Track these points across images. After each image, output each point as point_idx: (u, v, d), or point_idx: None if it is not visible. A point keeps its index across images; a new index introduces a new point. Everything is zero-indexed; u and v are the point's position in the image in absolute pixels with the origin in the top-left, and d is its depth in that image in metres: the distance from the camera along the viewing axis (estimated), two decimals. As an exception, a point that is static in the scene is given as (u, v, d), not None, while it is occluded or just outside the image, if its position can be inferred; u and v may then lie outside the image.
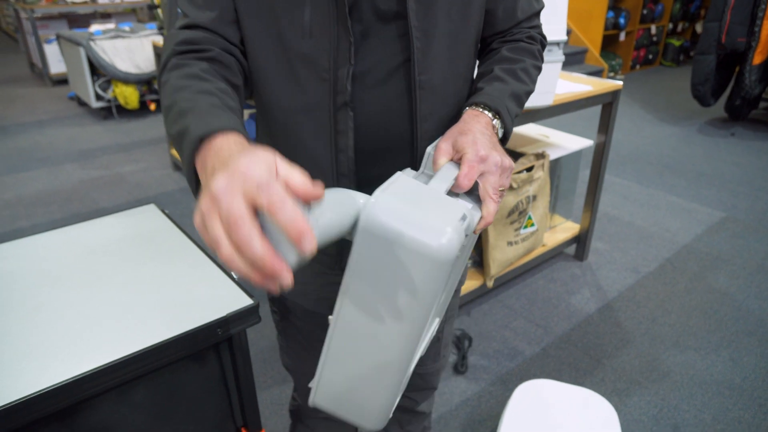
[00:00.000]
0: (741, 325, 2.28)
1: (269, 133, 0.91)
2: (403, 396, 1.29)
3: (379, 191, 0.64)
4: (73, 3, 5.98)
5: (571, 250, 2.80)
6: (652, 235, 3.00)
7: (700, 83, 4.56)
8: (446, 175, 0.73)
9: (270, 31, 0.81)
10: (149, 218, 1.21)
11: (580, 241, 2.75)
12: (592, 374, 2.01)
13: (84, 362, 0.81)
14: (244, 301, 0.94)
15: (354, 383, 0.74)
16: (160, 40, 3.46)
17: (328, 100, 0.82)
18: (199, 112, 0.67)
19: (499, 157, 0.75)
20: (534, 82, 0.95)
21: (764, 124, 4.88)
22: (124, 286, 0.98)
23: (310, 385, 0.77)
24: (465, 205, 0.68)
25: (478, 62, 0.99)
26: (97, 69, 4.81)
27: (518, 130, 2.73)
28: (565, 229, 2.76)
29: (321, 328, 1.02)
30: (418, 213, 0.62)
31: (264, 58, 0.83)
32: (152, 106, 5.12)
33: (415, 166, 0.86)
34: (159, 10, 3.30)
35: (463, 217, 0.65)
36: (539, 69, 0.98)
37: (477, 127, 0.79)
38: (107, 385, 0.82)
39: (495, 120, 0.83)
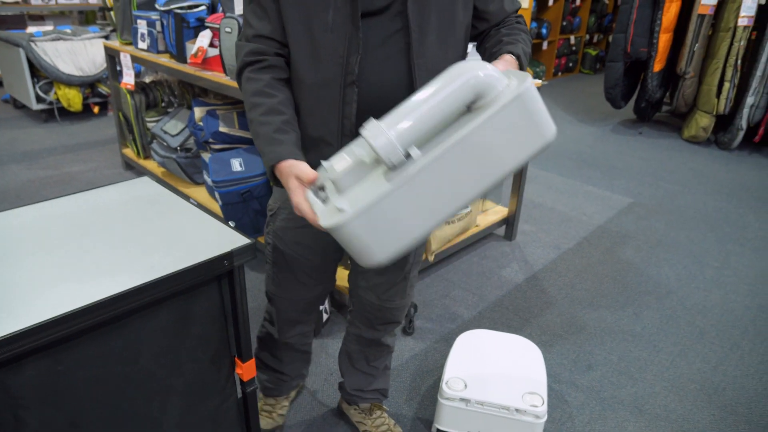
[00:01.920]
0: (642, 287, 2.68)
1: (297, 100, 1.22)
2: (371, 329, 1.56)
3: (523, 83, 0.89)
4: (4, 3, 5.89)
5: (501, 231, 3.15)
6: (571, 219, 3.40)
7: (611, 87, 5.09)
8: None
9: (304, 28, 1.13)
10: (147, 187, 1.42)
11: (509, 223, 3.10)
12: (521, 331, 2.33)
13: (118, 285, 1.02)
14: (243, 240, 1.18)
15: (400, 219, 0.89)
16: (110, 42, 3.57)
17: (339, 79, 1.13)
18: (269, 140, 1.11)
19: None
20: (529, 47, 1.22)
21: (666, 124, 5.48)
22: (142, 231, 1.19)
23: (341, 208, 0.91)
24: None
25: (476, 46, 1.30)
26: (37, 71, 4.80)
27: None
28: (496, 212, 3.11)
29: (304, 258, 1.31)
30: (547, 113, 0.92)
31: (298, 48, 1.15)
32: (95, 109, 5.15)
33: None
34: (112, 13, 3.41)
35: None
36: (528, 43, 1.23)
37: (506, 63, 1.10)
38: (136, 304, 1.04)
39: (516, 61, 1.12)
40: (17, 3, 5.94)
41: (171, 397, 1.19)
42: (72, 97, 4.90)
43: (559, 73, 7.70)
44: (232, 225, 1.25)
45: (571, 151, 4.66)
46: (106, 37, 5.05)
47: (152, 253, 1.12)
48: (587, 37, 8.00)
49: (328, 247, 1.39)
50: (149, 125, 3.36)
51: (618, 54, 4.90)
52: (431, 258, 2.60)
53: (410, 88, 1.15)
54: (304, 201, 1.05)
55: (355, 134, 1.16)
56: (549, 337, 2.31)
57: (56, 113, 5.04)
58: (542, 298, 2.58)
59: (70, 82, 4.80)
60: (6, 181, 3.69)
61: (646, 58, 4.77)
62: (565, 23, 7.37)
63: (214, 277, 1.17)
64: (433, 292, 2.59)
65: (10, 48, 4.78)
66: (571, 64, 7.84)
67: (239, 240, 1.18)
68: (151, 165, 3.57)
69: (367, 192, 0.91)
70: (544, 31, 7.08)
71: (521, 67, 1.14)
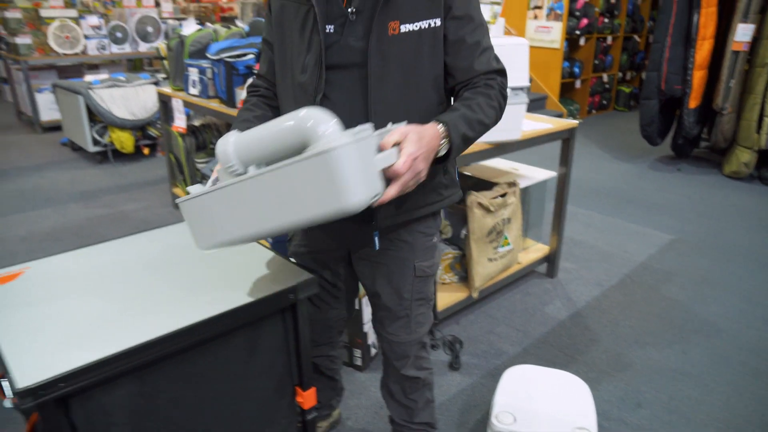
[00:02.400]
0: (690, 325, 2.65)
1: None
2: (390, 362, 1.63)
3: (349, 138, 0.92)
4: (65, 55, 6.29)
5: (543, 268, 3.17)
6: (612, 256, 3.40)
7: (647, 125, 5.11)
8: (389, 155, 1.01)
9: (286, 71, 1.33)
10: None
11: (550, 261, 3.12)
12: (567, 367, 2.33)
13: (196, 315, 1.10)
14: (305, 275, 1.26)
15: (211, 217, 1.07)
16: (162, 88, 3.79)
17: None
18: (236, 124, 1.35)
19: (422, 166, 1.08)
20: (487, 115, 1.24)
21: (705, 160, 5.44)
22: (212, 267, 1.28)
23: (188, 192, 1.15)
24: (381, 187, 1.00)
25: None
26: (93, 116, 5.09)
27: (490, 163, 3.13)
28: (537, 250, 3.14)
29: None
30: (358, 174, 0.92)
31: (282, 86, 1.37)
32: (146, 151, 5.40)
33: None
34: (165, 62, 3.64)
35: (376, 195, 1.01)
36: (494, 107, 1.26)
37: (427, 136, 1.10)
38: (212, 333, 1.12)
39: (443, 138, 1.15)
40: (77, 54, 6.34)
41: (240, 421, 1.25)
42: (125, 140, 5.16)
43: (593, 111, 7.74)
44: (294, 261, 1.34)
45: (609, 188, 4.67)
46: (156, 83, 5.33)
47: (223, 287, 1.21)
48: (620, 74, 8.05)
49: (339, 279, 1.54)
50: (199, 166, 3.53)
51: (652, 91, 4.94)
52: (475, 295, 2.64)
53: None
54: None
55: None
56: (596, 374, 2.30)
57: (110, 155, 5.30)
58: (587, 335, 2.58)
59: (123, 125, 5.07)
60: (67, 219, 3.90)
61: (681, 95, 4.79)
62: (597, 62, 7.45)
63: (279, 309, 1.25)
64: (478, 328, 2.62)
65: (71, 95, 5.09)
66: (605, 102, 7.88)
67: (302, 275, 1.26)
68: (200, 204, 3.72)
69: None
70: (576, 70, 7.17)
71: (450, 139, 1.16)
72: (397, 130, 1.06)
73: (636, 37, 8.07)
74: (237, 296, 1.17)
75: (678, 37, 4.70)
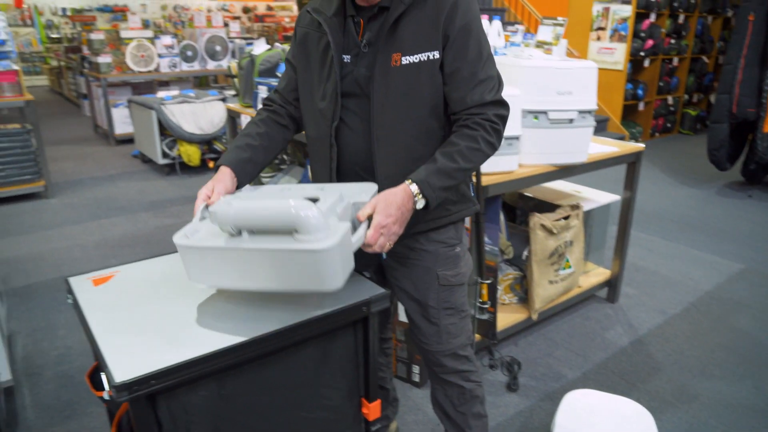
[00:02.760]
0: (762, 359, 2.54)
1: (308, 149, 1.57)
2: (430, 370, 1.66)
3: (334, 237, 1.09)
4: (140, 72, 6.65)
5: (603, 293, 3.10)
6: (676, 283, 3.30)
7: (715, 149, 4.94)
8: (362, 234, 1.21)
9: (307, 96, 1.46)
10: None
11: (611, 285, 3.05)
12: (628, 394, 2.28)
13: (273, 324, 1.15)
14: (378, 290, 1.30)
15: (209, 267, 1.18)
16: (231, 105, 3.95)
17: (327, 139, 1.42)
18: (230, 148, 1.44)
19: (394, 230, 1.24)
20: (470, 160, 1.32)
21: (779, 187, 5.21)
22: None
23: (186, 236, 1.20)
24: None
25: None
26: (164, 129, 5.35)
27: (554, 185, 3.11)
28: (598, 274, 3.08)
29: None
30: (339, 265, 1.12)
31: (305, 108, 1.49)
32: (211, 164, 5.62)
33: (374, 181, 1.38)
34: (236, 80, 3.80)
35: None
36: (478, 149, 1.33)
37: (398, 202, 1.24)
38: (289, 341, 1.17)
39: (417, 196, 1.27)
40: (150, 72, 6.70)
41: (308, 429, 1.30)
42: (192, 153, 5.39)
43: (657, 134, 7.53)
44: (367, 275, 1.38)
45: (673, 213, 4.53)
46: (224, 100, 5.56)
47: (299, 298, 1.26)
48: (686, 97, 7.82)
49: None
50: (264, 180, 3.65)
51: (723, 115, 4.78)
52: (535, 316, 2.62)
53: (369, 153, 1.38)
54: (200, 199, 1.30)
55: (338, 178, 1.46)
56: (658, 404, 2.24)
57: (177, 167, 5.55)
58: (649, 363, 2.51)
59: (191, 139, 5.31)
60: (138, 228, 4.11)
61: (754, 118, 4.62)
62: (662, 83, 7.27)
63: (351, 321, 1.29)
64: (537, 350, 2.59)
65: (145, 110, 5.38)
66: (669, 125, 7.67)
67: (375, 289, 1.30)
68: (262, 217, 3.84)
69: (207, 237, 1.19)
70: (640, 92, 7.01)
71: (424, 195, 1.28)
72: (368, 204, 1.23)
73: (704, 58, 7.83)
74: (312, 307, 1.22)
75: (753, 58, 4.55)
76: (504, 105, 1.38)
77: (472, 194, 1.58)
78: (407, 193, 1.26)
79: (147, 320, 1.19)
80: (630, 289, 3.21)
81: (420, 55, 1.31)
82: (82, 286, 1.34)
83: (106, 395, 1.06)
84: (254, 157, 1.43)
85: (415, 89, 1.33)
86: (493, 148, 1.37)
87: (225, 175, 1.36)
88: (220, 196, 1.30)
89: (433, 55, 1.31)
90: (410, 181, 1.28)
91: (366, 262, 1.53)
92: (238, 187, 1.40)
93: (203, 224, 1.25)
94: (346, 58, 1.37)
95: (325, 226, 1.11)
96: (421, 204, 1.29)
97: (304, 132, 1.56)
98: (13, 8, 12.57)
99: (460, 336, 1.59)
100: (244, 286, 1.20)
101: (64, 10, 13.18)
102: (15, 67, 4.48)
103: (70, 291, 1.33)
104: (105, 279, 1.37)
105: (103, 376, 1.03)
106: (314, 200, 1.20)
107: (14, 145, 4.46)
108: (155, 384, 1.01)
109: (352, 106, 1.38)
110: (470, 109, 1.34)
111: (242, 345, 1.10)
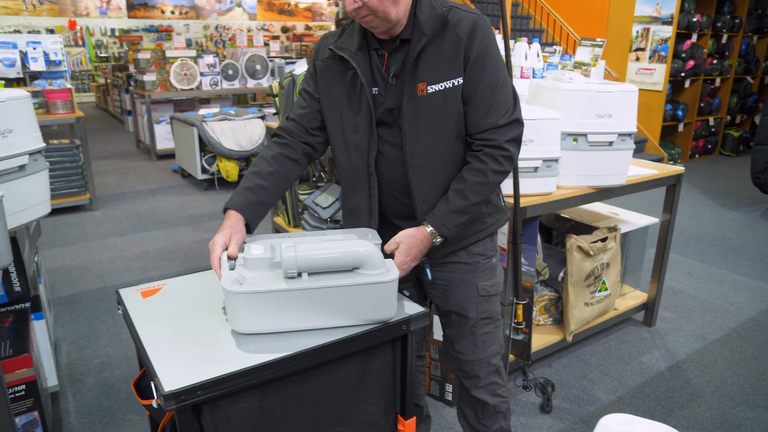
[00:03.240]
0: (807, 390, 2.46)
1: (340, 179, 1.59)
2: (460, 381, 1.69)
3: (395, 273, 1.24)
4: (182, 90, 6.86)
5: (640, 316, 3.05)
6: (717, 308, 3.22)
7: (760, 171, 4.82)
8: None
9: (339, 128, 1.48)
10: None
11: (648, 309, 3.00)
12: (665, 421, 2.23)
13: (314, 340, 1.19)
14: (417, 308, 1.32)
15: (271, 311, 1.19)
16: (270, 122, 4.06)
17: (364, 168, 1.45)
18: (238, 190, 1.44)
19: (413, 264, 1.41)
20: (480, 194, 1.41)
21: (827, 211, 5.04)
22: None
23: (240, 282, 1.20)
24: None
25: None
26: (205, 146, 5.50)
27: (591, 207, 3.08)
28: (634, 297, 3.03)
29: None
30: (395, 297, 1.26)
31: (335, 142, 1.52)
32: (248, 180, 5.75)
33: (413, 209, 1.45)
34: (276, 99, 3.90)
35: None
36: (487, 182, 1.41)
37: (417, 244, 1.39)
38: (329, 357, 1.20)
39: (435, 237, 1.40)
40: (192, 89, 6.91)
41: (345, 444, 1.32)
42: (230, 169, 5.52)
43: (697, 155, 7.39)
44: (406, 294, 1.41)
45: (713, 237, 4.43)
46: (263, 117, 5.70)
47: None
48: (728, 117, 7.66)
49: (416, 300, 1.61)
50: (301, 197, 3.72)
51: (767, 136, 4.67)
52: (569, 338, 2.59)
53: (406, 179, 1.43)
54: (219, 248, 1.30)
55: (379, 210, 1.49)
56: (698, 431, 2.19)
57: (216, 183, 5.69)
58: (687, 390, 2.45)
59: (230, 156, 5.44)
60: (177, 241, 4.22)
61: (799, 142, 4.50)
62: (703, 104, 7.14)
63: (390, 339, 1.32)
64: (571, 372, 2.56)
65: (186, 127, 5.54)
66: (710, 146, 7.51)
67: (414, 308, 1.33)
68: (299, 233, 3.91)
69: (262, 281, 1.20)
70: (679, 113, 6.90)
71: (441, 234, 1.40)
72: (393, 241, 1.39)
73: (749, 78, 7.67)
74: (354, 323, 1.25)
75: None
76: (518, 124, 1.43)
77: (502, 204, 1.64)
78: (425, 235, 1.40)
79: (193, 332, 1.23)
80: (668, 313, 3.14)
81: (445, 83, 1.36)
82: (131, 297, 1.40)
83: (154, 403, 1.10)
84: (264, 199, 1.45)
85: (441, 116, 1.39)
86: (505, 173, 1.44)
87: (238, 222, 1.37)
88: (238, 246, 1.32)
89: (457, 81, 1.37)
90: (426, 223, 1.41)
91: (404, 278, 1.56)
92: (248, 230, 1.42)
93: (245, 271, 1.25)
94: (375, 90, 1.41)
95: (382, 261, 1.25)
96: (438, 241, 1.42)
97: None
98: (67, 29, 13.15)
99: (494, 344, 1.65)
100: (299, 326, 1.23)
101: (113, 30, 13.72)
102: (68, 85, 4.69)
103: (120, 302, 1.39)
104: (153, 291, 1.43)
105: (152, 385, 1.08)
106: None
107: (64, 160, 4.65)
108: (201, 394, 1.05)
109: (386, 135, 1.43)
110: (484, 133, 1.40)
111: (285, 359, 1.13)
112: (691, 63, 6.63)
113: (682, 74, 6.66)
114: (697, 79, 6.90)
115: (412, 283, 1.64)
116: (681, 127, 7.09)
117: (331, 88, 1.47)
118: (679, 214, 4.86)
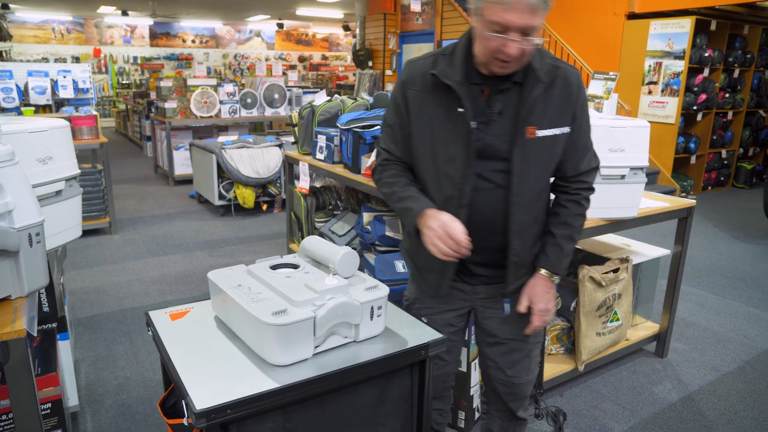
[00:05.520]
0: (821, 425, 2.45)
1: None
2: (505, 404, 1.75)
3: None
4: (201, 117, 7.03)
5: (652, 347, 3.06)
6: (729, 340, 3.22)
7: (772, 205, 4.84)
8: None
9: (430, 157, 1.49)
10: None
11: (660, 340, 3.02)
12: (678, 454, 2.24)
13: (339, 363, 1.25)
14: (435, 335, 1.38)
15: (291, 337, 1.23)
16: (288, 151, 4.16)
17: (455, 200, 1.46)
18: (414, 199, 1.49)
19: (550, 307, 1.53)
20: (580, 233, 1.56)
21: (841, 246, 5.02)
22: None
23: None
24: None
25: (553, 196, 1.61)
26: (222, 172, 5.62)
27: (603, 238, 3.13)
28: (646, 328, 3.05)
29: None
30: None
31: (425, 172, 1.53)
32: (264, 207, 5.85)
33: (505, 246, 1.49)
34: (296, 129, 4.01)
35: None
36: (583, 214, 1.56)
37: (542, 289, 1.51)
38: (351, 381, 1.25)
39: (554, 277, 1.53)
40: (210, 117, 7.08)
41: (363, 466, 1.36)
42: (247, 196, 5.63)
43: (709, 188, 7.41)
44: (425, 321, 1.47)
45: (725, 269, 4.44)
46: (280, 146, 5.82)
47: (365, 344, 1.35)
48: (741, 150, 7.69)
49: (456, 335, 1.69)
50: (317, 225, 3.80)
51: (779, 171, 4.70)
52: (581, 368, 2.61)
53: (506, 216, 1.46)
54: (457, 221, 1.39)
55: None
56: (711, 466, 2.19)
57: (232, 209, 5.80)
58: (700, 422, 2.46)
59: (247, 183, 5.56)
60: (194, 266, 4.30)
61: (812, 176, 4.52)
62: (715, 137, 7.19)
63: (408, 364, 1.37)
64: (582, 402, 2.58)
65: (205, 154, 5.68)
66: (722, 178, 7.53)
67: (432, 334, 1.38)
68: (313, 259, 3.97)
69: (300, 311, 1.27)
70: (692, 145, 6.95)
71: (560, 276, 1.54)
72: (524, 298, 1.53)
73: (761, 112, 7.72)
74: (374, 348, 1.31)
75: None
76: (598, 168, 1.59)
77: None
78: (548, 281, 1.53)
79: (220, 354, 1.29)
80: (680, 344, 3.15)
81: (555, 129, 1.44)
82: (160, 319, 1.47)
83: (184, 422, 1.16)
84: None
85: (546, 159, 1.48)
86: (586, 212, 1.59)
87: (442, 215, 1.43)
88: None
89: (566, 130, 1.47)
90: (544, 269, 1.52)
91: (454, 306, 1.64)
92: None
93: (285, 304, 1.28)
94: (473, 123, 1.41)
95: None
96: (557, 280, 1.55)
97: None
98: (92, 57, 13.54)
99: (537, 365, 1.75)
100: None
101: (135, 58, 14.10)
102: (94, 112, 4.85)
103: (149, 323, 1.46)
104: (181, 314, 1.49)
105: (183, 404, 1.14)
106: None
107: (86, 184, 4.79)
108: (231, 413, 1.11)
109: (482, 169, 1.44)
110: (581, 176, 1.54)
111: (309, 381, 1.19)
112: (703, 96, 6.71)
113: (695, 107, 6.73)
114: (709, 112, 6.97)
115: (464, 318, 1.69)
116: (693, 160, 7.13)
117: (425, 116, 1.47)
118: (692, 246, 4.87)
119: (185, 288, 3.87)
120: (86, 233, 5.01)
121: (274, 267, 1.46)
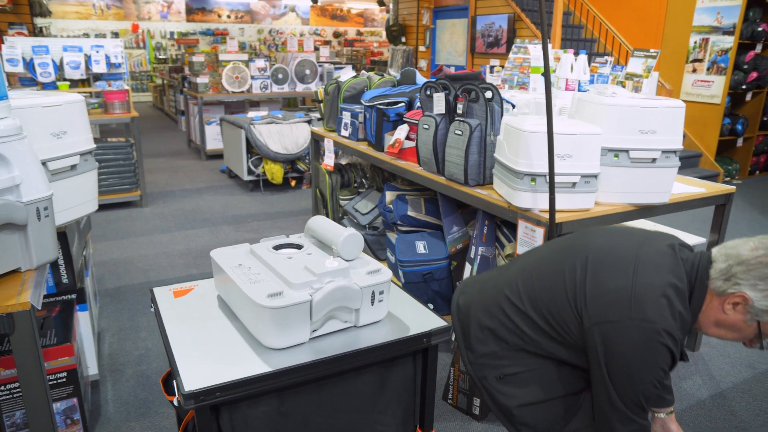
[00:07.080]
0: None
1: None
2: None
3: None
4: (233, 92, 7.04)
5: (684, 340, 2.93)
6: (768, 335, 3.06)
7: (822, 192, 4.56)
8: None
9: None
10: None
11: (692, 332, 2.88)
12: (704, 452, 2.14)
13: (337, 349, 1.20)
14: (440, 322, 1.32)
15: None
16: (316, 128, 4.11)
17: None
18: None
19: None
20: None
21: None
22: None
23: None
24: None
25: None
26: (251, 148, 5.63)
27: (635, 224, 2.99)
28: (678, 319, 2.92)
29: None
30: None
31: None
32: (293, 183, 5.85)
33: None
34: (322, 105, 3.95)
35: None
36: None
37: None
38: (349, 366, 1.21)
39: None
40: (242, 92, 7.08)
41: (362, 454, 1.32)
42: (275, 172, 5.63)
43: (757, 172, 7.06)
44: (430, 307, 1.40)
45: (769, 259, 4.21)
46: (309, 122, 5.78)
47: (369, 329, 1.30)
48: (792, 134, 7.29)
49: None
50: (342, 202, 3.76)
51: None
52: (604, 358, 2.52)
53: None
54: None
55: None
56: (739, 466, 2.08)
57: (261, 184, 5.81)
58: (731, 421, 2.34)
59: (276, 158, 5.54)
60: (220, 240, 4.33)
61: None
62: (766, 118, 6.83)
63: (411, 352, 1.32)
64: (605, 394, 2.48)
65: (235, 129, 5.68)
66: (771, 163, 7.17)
67: (437, 321, 1.32)
68: (337, 237, 3.94)
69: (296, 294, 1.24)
70: (739, 127, 6.62)
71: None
72: None
73: (815, 93, 7.28)
74: (375, 334, 1.25)
75: None
76: None
77: None
78: None
79: (218, 335, 1.26)
80: (713, 338, 3.01)
81: None
82: (164, 296, 1.45)
83: (175, 401, 1.14)
84: None
85: None
86: None
87: None
88: None
89: None
90: None
91: None
92: None
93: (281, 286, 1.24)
94: None
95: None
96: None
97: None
98: (131, 32, 13.73)
99: None
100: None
101: (171, 33, 14.23)
102: (126, 87, 4.89)
103: (153, 300, 1.44)
104: (185, 292, 1.47)
105: (174, 383, 1.11)
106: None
107: (118, 157, 4.85)
108: (220, 396, 1.08)
109: None
110: None
111: (304, 366, 1.15)
112: (754, 75, 6.35)
113: (744, 87, 6.38)
114: (760, 92, 6.61)
115: None
116: (740, 142, 6.79)
117: None
118: (732, 234, 4.65)
119: (209, 262, 3.89)
120: (117, 206, 5.10)
121: (277, 247, 1.42)
